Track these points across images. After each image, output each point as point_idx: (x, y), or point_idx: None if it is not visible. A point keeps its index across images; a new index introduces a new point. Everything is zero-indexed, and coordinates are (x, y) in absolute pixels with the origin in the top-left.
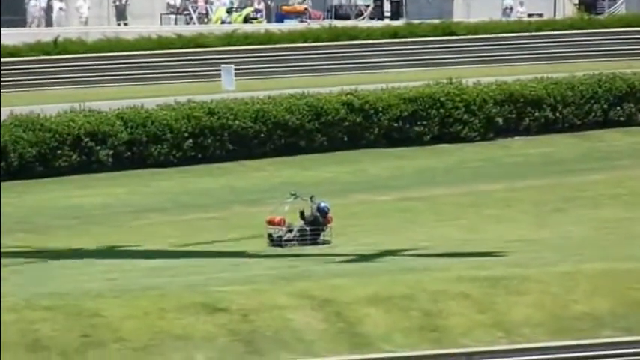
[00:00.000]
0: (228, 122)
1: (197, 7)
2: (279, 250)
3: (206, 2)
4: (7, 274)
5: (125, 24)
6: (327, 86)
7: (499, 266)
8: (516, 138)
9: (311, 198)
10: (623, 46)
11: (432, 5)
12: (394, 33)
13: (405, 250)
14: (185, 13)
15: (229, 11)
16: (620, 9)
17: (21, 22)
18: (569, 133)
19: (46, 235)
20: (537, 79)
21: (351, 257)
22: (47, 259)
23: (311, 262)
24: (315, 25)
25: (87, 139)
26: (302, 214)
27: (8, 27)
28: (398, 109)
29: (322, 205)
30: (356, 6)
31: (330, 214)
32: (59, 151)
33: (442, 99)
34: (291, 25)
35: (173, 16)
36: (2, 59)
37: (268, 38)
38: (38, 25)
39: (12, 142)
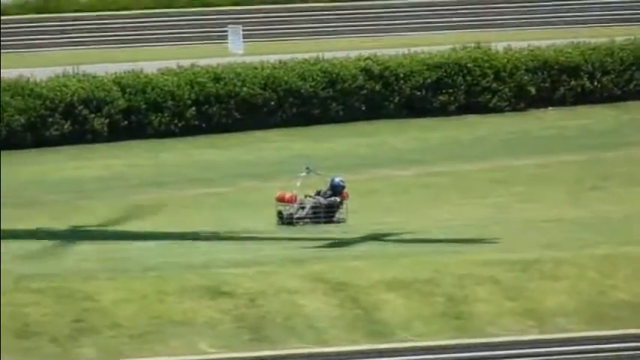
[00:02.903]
0: (236, 89)
1: None
2: (290, 229)
3: None
4: None
5: None
6: (344, 50)
7: (531, 249)
8: (550, 109)
9: (307, 169)
10: None
11: None
12: None
13: (425, 231)
14: None
15: None
16: None
17: None
18: (609, 104)
19: (38, 210)
20: (574, 44)
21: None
22: (39, 236)
23: (324, 242)
24: None
25: (81, 107)
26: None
27: None
28: (421, 76)
29: (337, 180)
30: None
31: (346, 190)
32: (50, 119)
33: (469, 65)
34: None
35: None
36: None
37: None
38: None
39: None
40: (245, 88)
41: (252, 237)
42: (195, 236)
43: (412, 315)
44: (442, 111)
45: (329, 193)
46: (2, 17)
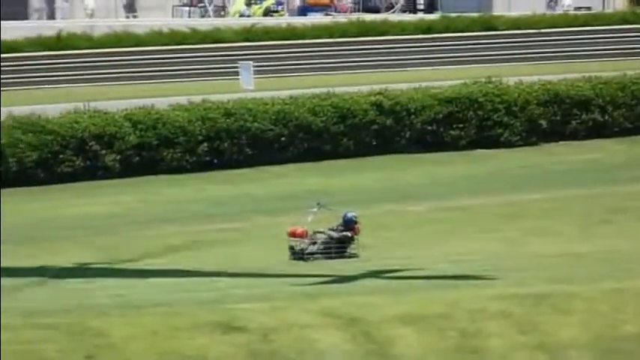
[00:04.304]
0: (247, 124)
1: None
2: (301, 264)
3: None
4: (7, 291)
5: (134, 17)
6: (355, 85)
7: (542, 283)
8: (561, 143)
9: (318, 204)
10: None
11: None
12: (428, 27)
13: (430, 268)
14: (200, 5)
15: (248, 3)
16: None
17: (21, 14)
18: (620, 138)
19: (48, 247)
20: (585, 78)
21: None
22: (49, 274)
23: (336, 277)
24: (341, 18)
25: (92, 143)
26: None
27: (7, 19)
28: (432, 110)
29: (350, 214)
30: None
31: (358, 225)
32: (62, 156)
33: (480, 100)
34: (315, 18)
35: (187, 9)
36: (1, 54)
37: (290, 33)
38: (40, 18)
39: (10, 145)
40: (256, 124)
41: (264, 272)
42: (207, 272)
43: (427, 350)
44: (453, 145)
45: (341, 228)
46: (14, 54)
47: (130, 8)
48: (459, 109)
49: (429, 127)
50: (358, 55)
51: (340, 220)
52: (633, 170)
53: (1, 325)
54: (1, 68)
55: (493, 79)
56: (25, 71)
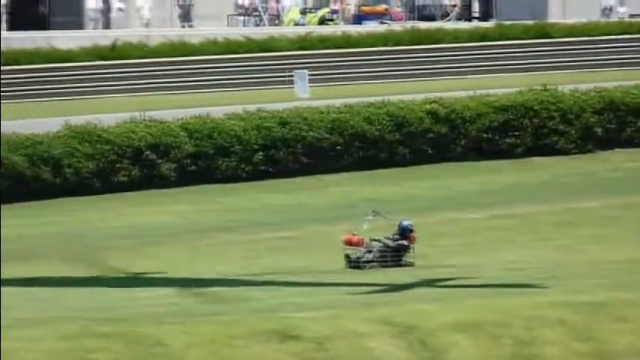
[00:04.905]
0: (302, 133)
1: (268, 8)
2: (357, 273)
3: (277, 2)
4: (61, 299)
5: (190, 26)
6: (410, 94)
7: (599, 290)
8: (617, 150)
9: (373, 212)
10: None
11: (525, 5)
12: (483, 35)
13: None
14: (255, 14)
15: (303, 12)
16: None
17: (76, 23)
18: None
19: (104, 256)
20: None
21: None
22: (104, 283)
23: (392, 285)
24: (396, 26)
25: (148, 152)
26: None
27: (62, 29)
28: (487, 118)
29: (405, 223)
30: (441, 6)
31: (413, 234)
32: (118, 165)
33: (536, 108)
34: (370, 27)
35: (242, 18)
36: (57, 64)
37: (345, 41)
38: (95, 27)
39: (67, 155)
40: (312, 133)
41: (320, 281)
42: (262, 280)
43: (482, 357)
44: (509, 153)
45: (397, 236)
46: (70, 64)
47: (186, 17)
48: (515, 117)
49: (485, 135)
50: (413, 63)
51: (396, 229)
52: None
53: (59, 334)
54: (57, 78)
55: (548, 87)
56: (80, 81)
